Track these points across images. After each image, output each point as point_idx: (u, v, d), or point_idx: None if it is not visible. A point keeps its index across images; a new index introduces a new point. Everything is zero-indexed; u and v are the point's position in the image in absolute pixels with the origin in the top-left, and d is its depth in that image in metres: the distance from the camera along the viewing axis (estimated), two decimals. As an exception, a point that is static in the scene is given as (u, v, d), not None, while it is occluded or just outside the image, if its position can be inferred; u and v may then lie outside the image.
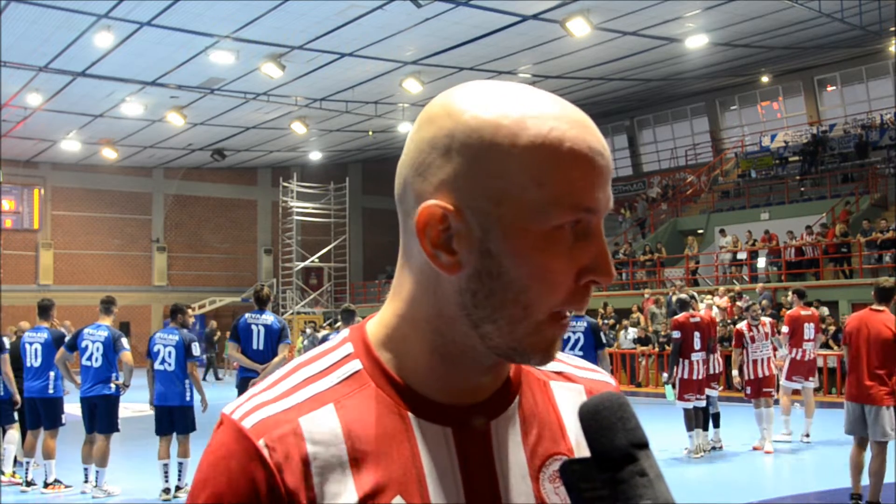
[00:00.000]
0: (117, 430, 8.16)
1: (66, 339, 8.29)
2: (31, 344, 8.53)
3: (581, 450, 0.87)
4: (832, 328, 16.51)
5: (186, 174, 33.19)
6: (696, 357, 9.55)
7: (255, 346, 8.16)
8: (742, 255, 21.82)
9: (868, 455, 6.68)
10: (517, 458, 0.86)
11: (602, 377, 0.99)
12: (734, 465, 9.44)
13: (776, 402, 10.49)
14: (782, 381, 10.47)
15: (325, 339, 11.20)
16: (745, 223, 22.96)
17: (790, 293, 12.17)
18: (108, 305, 8.27)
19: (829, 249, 19.85)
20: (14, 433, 8.92)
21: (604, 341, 8.43)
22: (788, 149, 26.12)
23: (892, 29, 19.70)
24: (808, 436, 10.49)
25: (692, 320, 9.63)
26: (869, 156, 23.93)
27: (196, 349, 7.99)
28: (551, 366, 0.96)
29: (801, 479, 9.04)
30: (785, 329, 10.61)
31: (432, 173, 0.81)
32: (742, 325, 10.23)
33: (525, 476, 0.85)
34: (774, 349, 10.45)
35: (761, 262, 21.41)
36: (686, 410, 9.68)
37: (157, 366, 7.96)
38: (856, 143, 24.36)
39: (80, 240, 31.15)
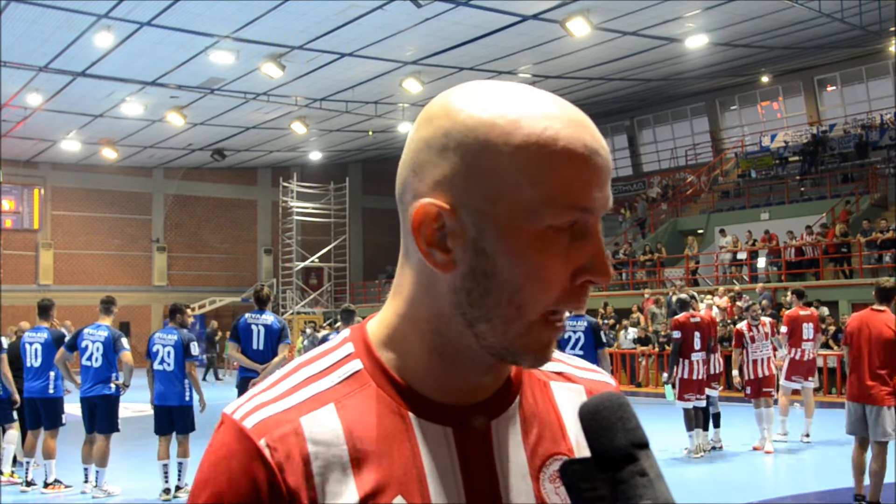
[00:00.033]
0: (117, 430, 8.16)
1: (66, 339, 8.29)
2: (31, 344, 8.53)
3: (581, 450, 0.87)
4: (832, 328, 16.51)
5: (186, 174, 33.19)
6: (696, 357, 9.56)
7: (255, 346, 8.16)
8: (742, 255, 21.82)
9: (869, 455, 6.69)
10: (517, 458, 0.86)
11: (602, 378, 0.99)
12: (734, 465, 9.44)
13: (776, 402, 10.49)
14: (782, 381, 10.47)
15: (324, 339, 11.20)
16: (745, 223, 22.96)
17: (789, 293, 12.17)
18: (108, 305, 8.27)
19: (829, 249, 19.85)
20: (13, 433, 8.92)
21: (604, 340, 8.45)
22: (788, 149, 26.12)
23: (892, 29, 19.70)
24: (808, 436, 10.49)
25: (692, 320, 9.63)
26: (869, 156, 23.93)
27: (194, 349, 7.99)
28: (551, 366, 0.96)
29: (801, 479, 9.04)
30: (783, 329, 10.62)
31: (428, 172, 0.81)
32: (742, 325, 10.23)
33: (525, 476, 0.85)
34: (774, 349, 10.45)
35: (761, 262, 21.41)
36: (686, 410, 9.68)
37: (156, 366, 7.96)
38: (856, 143, 24.36)
39: (80, 240, 31.15)
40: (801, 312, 10.71)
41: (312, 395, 0.83)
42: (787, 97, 27.53)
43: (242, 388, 8.10)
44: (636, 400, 14.92)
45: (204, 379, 23.46)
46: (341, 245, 31.90)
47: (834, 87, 26.72)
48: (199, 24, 17.16)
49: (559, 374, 0.96)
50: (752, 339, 10.02)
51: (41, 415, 8.49)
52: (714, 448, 10.05)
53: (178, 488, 7.98)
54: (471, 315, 0.80)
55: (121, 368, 8.16)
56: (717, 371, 10.14)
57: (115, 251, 31.80)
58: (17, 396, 8.51)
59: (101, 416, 7.97)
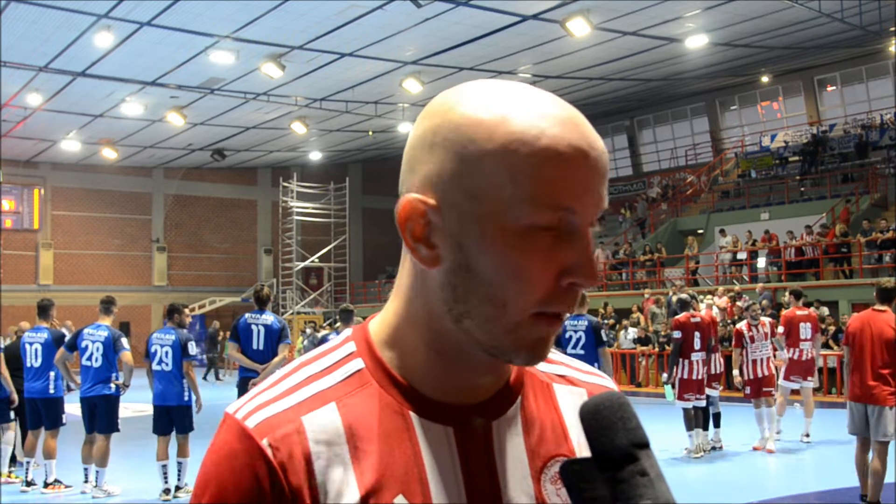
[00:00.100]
0: (117, 430, 8.16)
1: (67, 339, 8.29)
2: (31, 344, 8.53)
3: (583, 452, 0.86)
4: (832, 328, 16.51)
5: (186, 174, 33.20)
6: (696, 357, 9.56)
7: (255, 346, 8.16)
8: (742, 255, 21.83)
9: (871, 455, 6.70)
10: (519, 459, 0.86)
11: (604, 382, 0.99)
12: (734, 465, 9.43)
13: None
14: (780, 381, 10.47)
15: (324, 339, 11.23)
16: (745, 223, 22.96)
17: (787, 293, 12.17)
18: (107, 305, 8.27)
19: (829, 249, 19.85)
20: (11, 434, 8.92)
21: (604, 340, 8.48)
22: (788, 149, 26.13)
23: (892, 29, 19.70)
24: (808, 436, 10.49)
25: (693, 320, 9.63)
26: (869, 156, 23.94)
27: (192, 348, 7.99)
28: (554, 368, 0.96)
29: (801, 479, 9.04)
30: (780, 329, 10.62)
31: (418, 168, 0.82)
32: (742, 325, 10.23)
33: (526, 477, 0.85)
34: (774, 349, 10.45)
35: (761, 262, 21.41)
36: (686, 410, 9.68)
37: (154, 366, 7.97)
38: (856, 143, 24.36)
39: (80, 240, 31.16)
40: (798, 312, 10.71)
41: (314, 393, 0.83)
42: (787, 97, 27.53)
43: (242, 388, 8.11)
44: (636, 400, 14.91)
45: (204, 378, 23.51)
46: (341, 245, 31.90)
47: (834, 87, 26.72)
48: (199, 24, 17.16)
49: (561, 376, 0.96)
50: (752, 339, 10.02)
51: (41, 415, 8.49)
52: (714, 448, 10.05)
53: (177, 488, 7.99)
54: (456, 311, 0.80)
55: (121, 368, 8.16)
56: (718, 371, 10.14)
57: (115, 251, 31.80)
58: (14, 396, 8.51)
59: (101, 416, 7.98)
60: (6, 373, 8.40)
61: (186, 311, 8.41)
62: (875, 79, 25.43)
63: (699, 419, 9.74)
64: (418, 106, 22.68)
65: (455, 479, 0.82)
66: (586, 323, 8.34)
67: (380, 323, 0.89)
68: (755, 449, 10.09)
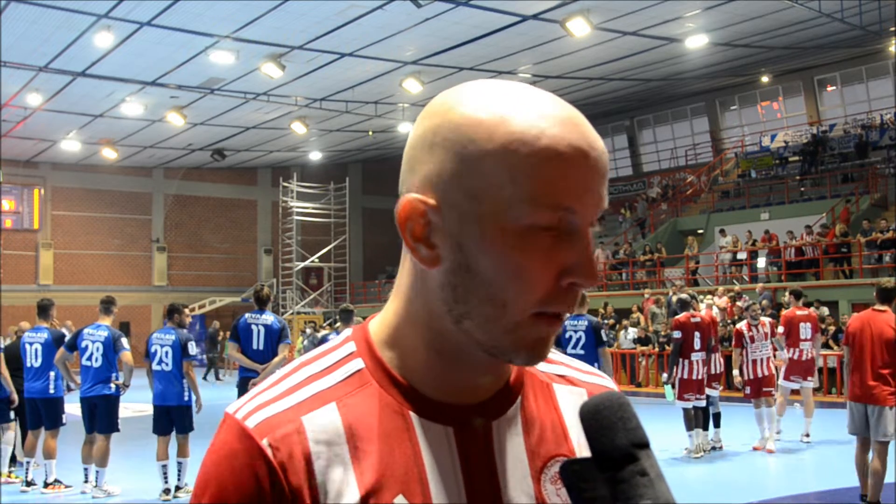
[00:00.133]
0: (117, 430, 8.16)
1: (66, 339, 8.29)
2: (31, 344, 8.53)
3: (583, 452, 0.86)
4: (832, 328, 16.51)
5: (186, 174, 33.20)
6: (696, 357, 9.56)
7: (255, 346, 8.16)
8: (742, 255, 21.82)
9: (871, 455, 6.70)
10: (519, 459, 0.86)
11: (605, 382, 0.98)
12: (734, 465, 9.43)
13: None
14: (780, 381, 10.47)
15: (324, 339, 11.22)
16: (745, 223, 22.96)
17: (787, 293, 12.17)
18: (107, 305, 8.27)
19: (829, 249, 19.85)
20: (10, 434, 8.92)
21: (604, 340, 8.48)
22: (788, 149, 26.13)
23: (892, 29, 19.70)
24: (807, 436, 10.49)
25: (693, 320, 9.64)
26: (869, 156, 23.94)
27: (192, 348, 7.99)
28: (554, 369, 0.96)
29: (801, 479, 9.04)
30: (780, 329, 10.62)
31: (418, 168, 0.82)
32: (742, 325, 10.24)
33: (526, 477, 0.85)
34: (774, 349, 10.45)
35: (761, 262, 21.41)
36: (685, 410, 9.68)
37: (154, 366, 7.97)
38: (856, 143, 24.36)
39: (80, 240, 31.16)
40: (798, 312, 10.72)
41: (314, 393, 0.83)
42: (787, 97, 27.53)
43: (242, 388, 8.11)
44: (636, 400, 14.91)
45: (205, 378, 23.51)
46: (341, 245, 31.91)
47: (834, 87, 26.72)
48: (199, 24, 17.16)
49: (562, 376, 0.96)
50: (752, 339, 10.03)
51: (41, 415, 8.49)
52: (714, 448, 10.05)
53: (177, 488, 7.99)
54: (456, 311, 0.80)
55: (121, 368, 8.16)
56: (718, 371, 10.14)
57: (115, 251, 31.80)
58: (14, 396, 8.51)
59: (101, 416, 7.98)
60: (6, 373, 8.40)
61: (186, 311, 8.41)
62: (875, 79, 25.43)
63: (699, 419, 9.75)
64: (418, 106, 22.68)
65: (455, 479, 0.82)
66: (586, 323, 8.35)
67: (380, 323, 0.89)
68: (755, 449, 10.09)
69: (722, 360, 10.44)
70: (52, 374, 8.44)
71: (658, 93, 27.03)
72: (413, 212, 0.81)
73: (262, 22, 17.03)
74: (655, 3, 16.76)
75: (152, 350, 7.99)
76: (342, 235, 31.88)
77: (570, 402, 0.93)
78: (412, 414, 0.84)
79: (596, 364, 8.01)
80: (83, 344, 7.97)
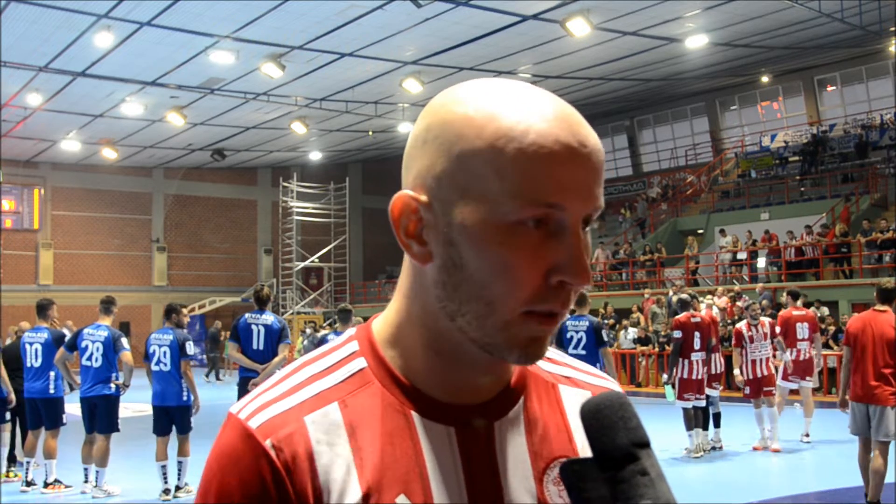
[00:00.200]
0: (117, 430, 8.16)
1: (66, 339, 8.29)
2: (31, 344, 8.53)
3: (587, 454, 0.86)
4: (832, 328, 16.50)
5: (186, 174, 33.20)
6: (696, 357, 9.57)
7: (255, 346, 8.15)
8: (742, 255, 21.82)
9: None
10: (520, 460, 0.86)
11: (610, 384, 0.98)
12: (734, 465, 9.43)
13: (778, 401, 10.49)
14: (779, 382, 10.48)
15: (324, 339, 11.19)
16: (745, 223, 22.95)
17: (784, 294, 12.18)
18: (107, 305, 8.27)
19: (829, 249, 19.85)
20: (7, 434, 8.92)
21: (605, 340, 8.49)
22: (788, 149, 26.13)
23: (892, 29, 19.70)
24: (807, 435, 10.49)
25: (693, 320, 9.64)
26: (869, 156, 23.94)
27: (190, 348, 7.98)
28: (559, 370, 0.96)
29: (801, 479, 9.04)
30: (777, 330, 10.63)
31: (412, 166, 0.83)
32: (741, 325, 10.24)
33: (528, 478, 0.85)
34: (774, 349, 10.45)
35: (761, 262, 21.40)
36: (685, 410, 9.68)
37: (153, 366, 7.97)
38: (856, 143, 24.36)
39: (80, 240, 31.16)
40: (795, 312, 10.73)
41: (316, 393, 0.83)
42: (787, 97, 27.53)
43: (242, 388, 8.10)
44: (636, 400, 14.91)
45: (206, 377, 23.51)
46: (341, 245, 31.91)
47: (834, 87, 26.72)
48: (199, 24, 17.16)
49: (567, 378, 0.96)
50: (751, 339, 10.03)
51: (42, 415, 8.49)
52: (714, 448, 10.05)
53: (178, 488, 7.99)
54: (450, 308, 0.81)
55: (121, 368, 8.16)
56: (718, 371, 10.14)
57: (115, 251, 31.81)
58: (12, 396, 8.50)
59: (101, 416, 7.97)
60: (4, 373, 8.40)
61: (184, 311, 8.41)
62: (875, 79, 25.43)
63: (699, 419, 9.75)
64: (418, 106, 22.69)
65: (457, 480, 0.82)
66: (587, 323, 8.36)
67: (382, 322, 0.89)
68: (755, 449, 10.09)
69: (722, 360, 10.44)
70: (52, 374, 8.43)
71: (658, 93, 27.03)
72: (405, 208, 0.81)
73: (262, 22, 17.03)
74: (655, 3, 16.76)
75: (151, 350, 8.00)
76: (342, 235, 31.88)
77: (575, 404, 0.92)
78: (414, 414, 0.84)
79: (598, 364, 8.02)
80: (83, 344, 7.97)
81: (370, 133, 28.09)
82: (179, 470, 8.04)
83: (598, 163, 0.79)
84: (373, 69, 20.65)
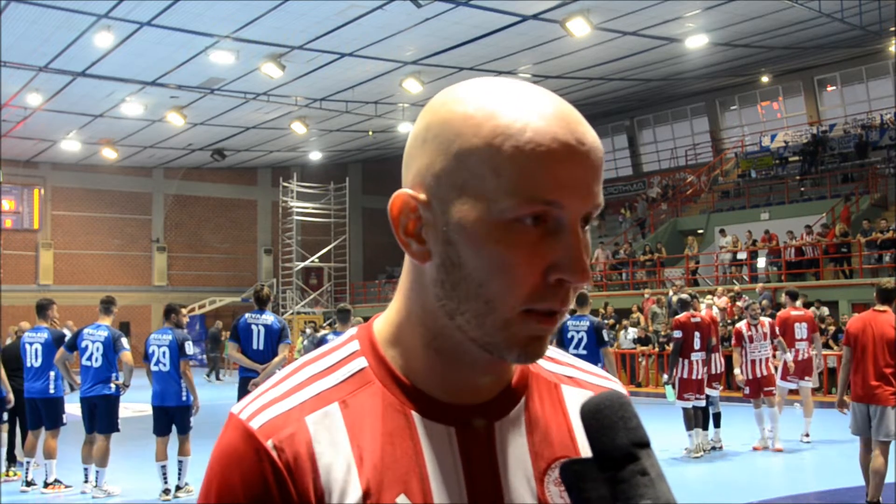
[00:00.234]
0: (117, 430, 8.16)
1: (66, 339, 8.29)
2: (31, 344, 8.53)
3: (590, 454, 0.86)
4: (832, 328, 16.50)
5: (186, 174, 33.19)
6: (696, 357, 9.57)
7: (255, 346, 8.15)
8: (742, 255, 21.82)
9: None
10: (521, 461, 0.85)
11: (613, 385, 0.98)
12: (734, 465, 9.44)
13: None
14: (777, 382, 10.48)
15: (324, 339, 11.18)
16: (745, 223, 22.95)
17: (783, 294, 12.19)
18: (107, 305, 8.27)
19: (829, 249, 19.85)
20: (4, 435, 8.91)
21: (606, 339, 8.49)
22: (788, 149, 26.12)
23: (892, 29, 19.70)
24: (807, 435, 10.49)
25: (693, 320, 9.65)
26: (869, 156, 23.93)
27: (189, 348, 7.98)
28: (562, 370, 0.96)
29: (801, 479, 9.04)
30: (777, 330, 10.63)
31: (411, 164, 0.83)
32: (741, 325, 10.24)
33: (529, 478, 0.85)
34: (775, 349, 10.45)
35: (761, 262, 21.40)
36: (685, 410, 9.69)
37: (152, 367, 7.98)
38: (856, 143, 24.36)
39: (80, 240, 31.15)
40: (793, 313, 10.75)
41: (317, 393, 0.84)
42: (787, 97, 27.53)
43: (242, 388, 8.10)
44: (636, 400, 14.88)
45: (207, 377, 23.51)
46: (341, 245, 31.90)
47: (834, 87, 26.72)
48: (199, 24, 17.15)
49: (570, 378, 0.96)
50: (751, 339, 10.03)
51: (41, 415, 8.49)
52: (714, 448, 10.05)
53: (178, 488, 7.98)
54: (448, 307, 0.81)
55: (121, 368, 8.16)
56: (718, 371, 10.15)
57: (115, 251, 31.80)
58: (11, 396, 8.50)
59: (101, 416, 7.97)
60: (3, 374, 8.39)
61: (183, 311, 8.40)
62: (875, 79, 25.43)
63: (699, 419, 9.75)
64: (418, 106, 22.68)
65: (457, 480, 0.82)
66: (588, 323, 8.37)
67: (384, 321, 0.89)
68: (755, 449, 10.10)
69: (722, 360, 10.44)
70: (52, 374, 8.43)
71: (658, 93, 27.03)
72: (405, 207, 0.81)
73: (262, 22, 17.02)
74: (655, 3, 16.75)
75: (150, 351, 8.00)
76: (342, 235, 31.88)
77: (577, 405, 0.92)
78: (414, 413, 0.83)
79: (599, 364, 8.01)
80: (83, 344, 7.97)
81: (370, 133, 28.09)
82: (180, 470, 8.04)
83: (597, 161, 0.78)
84: (373, 69, 20.65)
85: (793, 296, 11.09)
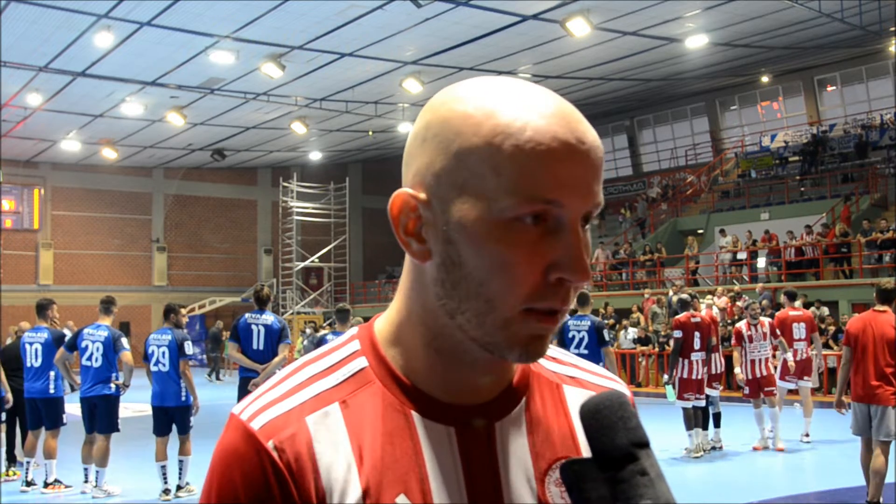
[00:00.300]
0: (117, 430, 8.16)
1: (67, 339, 8.29)
2: (31, 344, 8.53)
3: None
4: (832, 328, 16.49)
5: (186, 174, 33.19)
6: (696, 357, 9.57)
7: (255, 346, 8.15)
8: (742, 255, 21.82)
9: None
10: (522, 461, 0.85)
11: (616, 385, 0.97)
12: (734, 465, 9.44)
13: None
14: (777, 382, 10.49)
15: (323, 339, 11.17)
16: (745, 223, 22.95)
17: (781, 295, 12.19)
18: (107, 305, 8.27)
19: (829, 249, 19.85)
20: (2, 435, 8.91)
21: (607, 339, 8.50)
22: (788, 149, 26.12)
23: (892, 29, 19.70)
24: (807, 435, 10.49)
25: (693, 320, 9.65)
26: (869, 156, 23.93)
27: (189, 348, 7.98)
28: (565, 370, 0.96)
29: (801, 479, 9.05)
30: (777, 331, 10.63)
31: (411, 163, 0.83)
32: (741, 325, 10.24)
33: (530, 479, 0.85)
34: (775, 349, 10.45)
35: (761, 262, 21.40)
36: (685, 410, 9.69)
37: (152, 367, 7.98)
38: (856, 143, 24.36)
39: (80, 240, 31.15)
40: (791, 313, 10.77)
41: (317, 393, 0.84)
42: (787, 97, 27.53)
43: (242, 388, 8.10)
44: (636, 400, 14.88)
45: (208, 377, 23.51)
46: (341, 245, 31.90)
47: (834, 87, 26.72)
48: (199, 24, 17.15)
49: (572, 378, 0.95)
50: (750, 339, 10.03)
51: (42, 415, 8.49)
52: (714, 448, 10.05)
53: (178, 487, 7.98)
54: (449, 307, 0.80)
55: (121, 368, 8.16)
56: (718, 371, 10.15)
57: (115, 251, 31.80)
58: (9, 396, 8.50)
59: (101, 416, 7.97)
60: (2, 374, 8.39)
61: (183, 311, 8.40)
62: (875, 79, 25.43)
63: (699, 419, 9.75)
64: (418, 106, 22.68)
65: (457, 480, 0.82)
66: (589, 323, 8.37)
67: (384, 321, 0.89)
68: (755, 449, 10.10)
69: (722, 360, 10.45)
70: (52, 374, 8.43)
71: (658, 93, 27.03)
72: (405, 206, 0.81)
73: (262, 22, 17.02)
74: (655, 3, 16.75)
75: (149, 351, 8.00)
76: (342, 235, 31.88)
77: (579, 405, 0.92)
78: (414, 413, 0.83)
79: (600, 364, 8.00)
80: (83, 344, 7.97)
81: (370, 133, 28.09)
82: (180, 469, 8.04)
83: (597, 159, 0.78)
84: (373, 69, 20.65)
85: (791, 296, 11.09)
